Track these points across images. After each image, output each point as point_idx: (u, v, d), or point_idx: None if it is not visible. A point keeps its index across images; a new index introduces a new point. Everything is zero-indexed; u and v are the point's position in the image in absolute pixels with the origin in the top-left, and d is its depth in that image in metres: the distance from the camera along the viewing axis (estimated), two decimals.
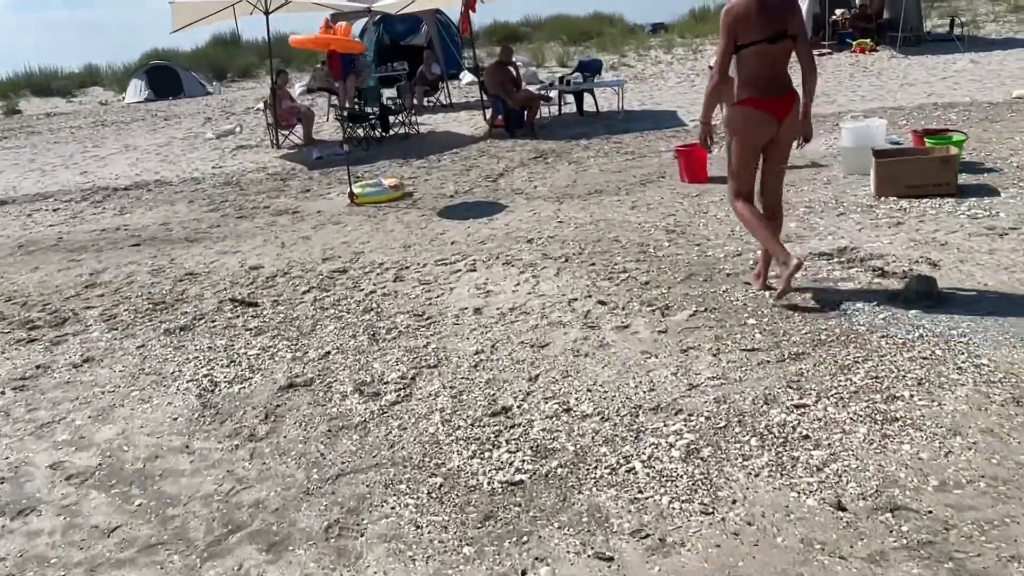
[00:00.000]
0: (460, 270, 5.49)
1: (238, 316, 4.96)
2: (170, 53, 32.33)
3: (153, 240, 7.30)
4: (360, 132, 11.75)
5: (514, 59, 11.68)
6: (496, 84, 11.29)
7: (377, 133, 11.87)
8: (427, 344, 4.14)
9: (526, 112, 11.44)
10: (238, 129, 14.80)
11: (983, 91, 11.50)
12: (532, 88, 13.52)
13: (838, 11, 21.03)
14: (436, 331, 4.34)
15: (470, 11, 12.42)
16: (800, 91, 4.06)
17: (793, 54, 4.01)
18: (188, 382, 3.95)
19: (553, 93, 12.74)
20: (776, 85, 3.95)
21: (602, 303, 4.51)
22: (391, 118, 12.39)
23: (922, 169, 6.04)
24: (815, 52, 18.15)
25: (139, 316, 5.14)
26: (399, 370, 3.84)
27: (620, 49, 24.30)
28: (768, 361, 3.52)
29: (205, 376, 3.99)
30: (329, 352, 4.16)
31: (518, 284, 5.05)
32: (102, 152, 13.81)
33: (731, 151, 4.16)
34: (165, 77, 24.50)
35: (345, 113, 11.71)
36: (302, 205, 8.21)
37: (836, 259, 4.87)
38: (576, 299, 4.63)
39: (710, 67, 4.58)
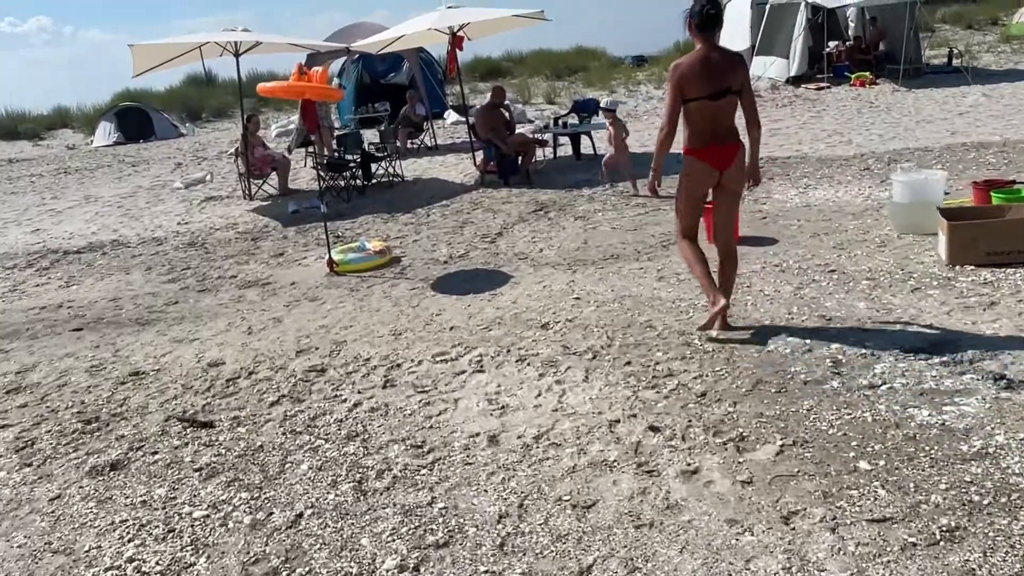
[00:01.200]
0: (465, 370, 4.48)
1: (187, 443, 3.91)
2: (142, 94, 31.25)
3: (99, 322, 6.24)
4: (340, 182, 10.77)
5: (506, 100, 10.78)
6: (488, 128, 10.38)
7: (358, 182, 10.89)
8: (432, 501, 3.12)
9: (520, 157, 10.52)
10: (208, 177, 13.78)
11: (1009, 128, 10.74)
12: (525, 130, 12.66)
13: (832, 44, 20.45)
14: (442, 475, 3.33)
15: (457, 50, 11.55)
16: (746, 140, 4.35)
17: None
18: (106, 573, 2.88)
19: (548, 136, 11.85)
20: (718, 137, 4.22)
21: (654, 428, 3.51)
22: (373, 165, 11.44)
23: (1005, 233, 5.14)
24: (813, 87, 17.55)
25: (63, 443, 4.08)
26: (397, 553, 2.81)
27: (608, 84, 23.60)
28: (914, 544, 2.53)
29: (130, 561, 2.93)
30: (301, 515, 3.12)
31: (539, 394, 4.05)
32: (60, 204, 12.73)
33: (679, 194, 4.57)
34: (135, 119, 23.49)
35: (324, 162, 10.72)
36: (275, 274, 7.19)
37: (937, 359, 3.91)
38: (618, 420, 3.64)
39: None
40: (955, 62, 19.51)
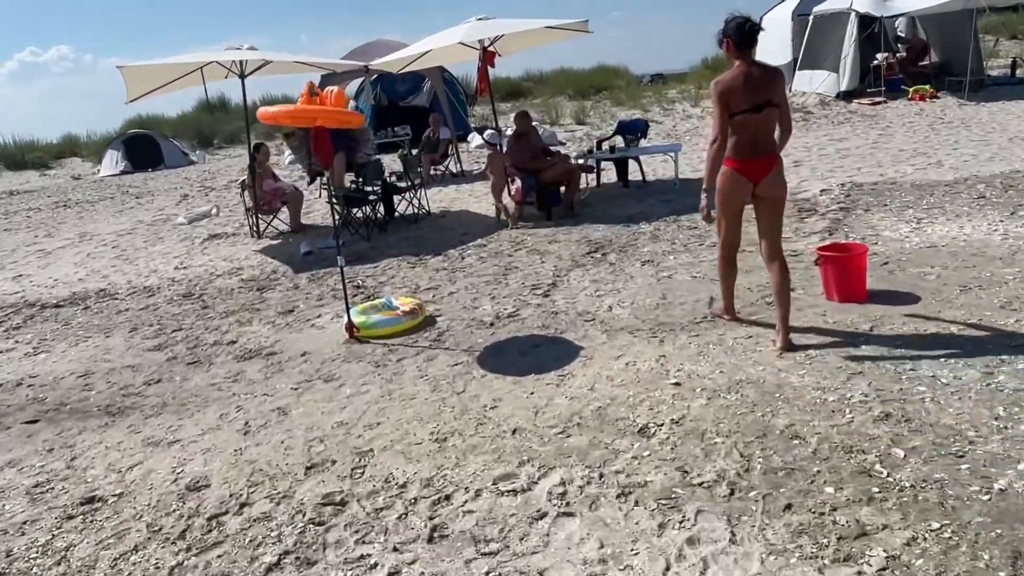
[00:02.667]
0: (544, 511, 3.13)
1: None
2: (152, 120, 30.45)
3: (60, 410, 4.94)
4: (359, 215, 9.48)
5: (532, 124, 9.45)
6: (524, 159, 9.05)
7: (379, 215, 9.60)
8: None
9: (562, 187, 9.20)
10: (214, 211, 12.56)
11: None
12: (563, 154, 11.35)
13: (879, 56, 19.09)
14: None
15: (488, 66, 10.27)
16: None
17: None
18: None
19: (591, 161, 10.52)
20: (756, 149, 4.32)
21: None
22: (396, 197, 10.16)
23: None
24: (868, 102, 16.17)
25: None
26: None
27: (638, 102, 22.32)
28: None
29: None
30: None
31: (668, 567, 2.67)
32: (52, 244, 11.53)
33: (719, 216, 4.63)
34: (144, 147, 22.45)
35: (339, 195, 9.44)
36: (282, 339, 5.87)
37: None
38: None
39: None
40: (1019, 72, 18.10)
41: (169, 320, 6.75)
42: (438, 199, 11.35)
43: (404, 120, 16.53)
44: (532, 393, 4.31)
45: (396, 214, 10.12)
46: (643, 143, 11.10)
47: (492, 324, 5.60)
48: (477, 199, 11.12)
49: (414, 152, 13.42)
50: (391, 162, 15.11)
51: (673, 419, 3.77)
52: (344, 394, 4.65)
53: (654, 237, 7.57)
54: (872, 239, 6.52)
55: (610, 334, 5.07)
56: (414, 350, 5.27)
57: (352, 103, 20.17)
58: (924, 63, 18.23)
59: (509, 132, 9.94)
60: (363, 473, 3.65)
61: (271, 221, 10.30)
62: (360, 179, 9.37)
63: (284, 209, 10.28)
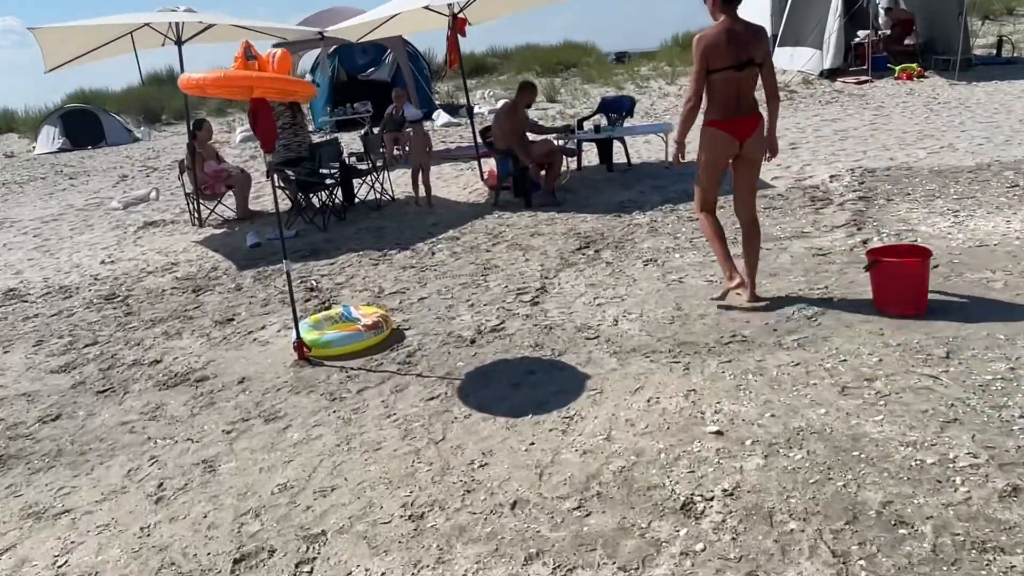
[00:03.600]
0: None
1: None
2: (96, 94, 28.77)
3: None
4: (315, 201, 8.40)
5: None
6: (509, 134, 8.05)
7: (336, 202, 8.53)
8: None
9: (543, 171, 8.22)
10: (153, 195, 11.36)
11: None
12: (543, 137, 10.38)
13: (861, 33, 18.37)
14: None
15: (459, 35, 9.21)
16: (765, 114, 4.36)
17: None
18: None
19: (572, 143, 9.54)
20: (740, 108, 4.27)
21: None
22: (356, 181, 9.09)
23: None
24: (853, 81, 15.40)
25: None
26: None
27: (610, 80, 21.36)
28: None
29: None
30: None
31: None
32: None
33: (699, 165, 4.54)
34: (83, 122, 20.92)
35: (290, 177, 8.34)
36: (216, 359, 4.83)
37: None
38: None
39: None
40: (1004, 52, 17.49)
41: (84, 330, 5.65)
42: (402, 182, 10.29)
43: (364, 96, 15.37)
44: (532, 443, 3.36)
45: (356, 200, 9.05)
46: (628, 122, 10.14)
47: (473, 341, 4.62)
48: (446, 183, 10.10)
49: (375, 131, 12.32)
50: (351, 141, 13.98)
51: (724, 489, 2.84)
52: (290, 440, 3.65)
53: (653, 230, 6.63)
54: (908, 235, 5.66)
55: (620, 357, 4.13)
56: (378, 377, 4.27)
57: (308, 77, 18.92)
58: (909, 42, 17.50)
59: (477, 108, 8.95)
60: (311, 572, 2.67)
61: (215, 207, 9.17)
62: (315, 160, 8.27)
63: (231, 194, 9.16)
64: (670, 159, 4.73)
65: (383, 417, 3.78)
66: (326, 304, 5.63)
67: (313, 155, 8.26)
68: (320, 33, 9.18)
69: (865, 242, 5.61)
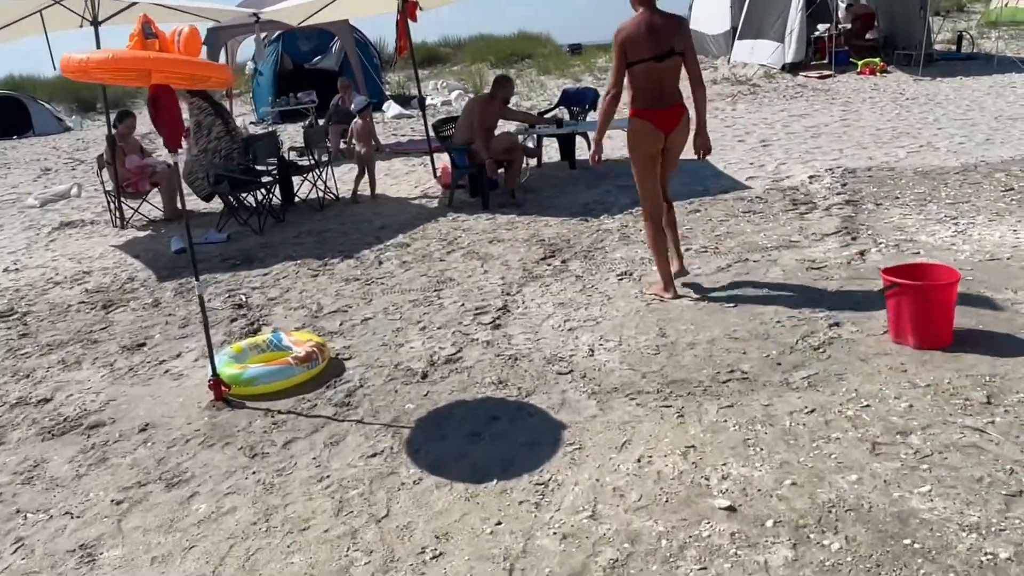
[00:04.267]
0: None
1: None
2: (28, 81, 27.25)
3: None
4: (251, 201, 7.59)
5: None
6: (477, 127, 7.34)
7: (273, 201, 7.73)
8: None
9: (502, 169, 7.54)
10: (75, 191, 10.38)
11: None
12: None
13: (821, 27, 18.05)
14: None
15: (408, 20, 8.46)
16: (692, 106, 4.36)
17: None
18: None
19: (531, 140, 8.87)
20: (663, 99, 4.22)
21: None
22: (296, 178, 8.30)
23: None
24: (815, 75, 15.02)
25: None
26: None
27: (567, 71, 20.74)
28: None
29: None
30: None
31: None
32: None
33: (633, 163, 4.43)
34: (8, 110, 19.57)
35: (208, 177, 7.51)
36: (118, 397, 4.05)
37: None
38: None
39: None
40: (965, 48, 17.30)
41: None
42: (348, 179, 9.50)
43: (311, 85, 14.48)
44: (498, 523, 2.68)
45: (296, 199, 8.25)
46: (591, 116, 9.50)
47: (425, 375, 3.93)
48: (396, 180, 9.36)
49: (320, 122, 11.51)
50: (296, 133, 13.12)
51: None
52: (195, 515, 2.92)
53: (624, 237, 6.00)
54: (908, 246, 5.11)
55: (600, 399, 3.48)
56: (310, 424, 3.55)
57: (250, 66, 17.92)
58: (870, 36, 17.21)
59: (429, 100, 8.22)
60: None
61: (139, 207, 8.29)
62: (251, 156, 7.45)
63: (158, 191, 8.30)
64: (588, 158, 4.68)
65: (313, 481, 3.06)
66: (254, 326, 4.88)
67: (247, 150, 7.44)
68: (255, 15, 8.34)
69: (862, 253, 5.05)
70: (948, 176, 6.92)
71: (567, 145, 8.98)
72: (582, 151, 9.11)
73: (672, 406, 3.34)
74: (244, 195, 7.54)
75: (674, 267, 4.57)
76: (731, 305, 4.39)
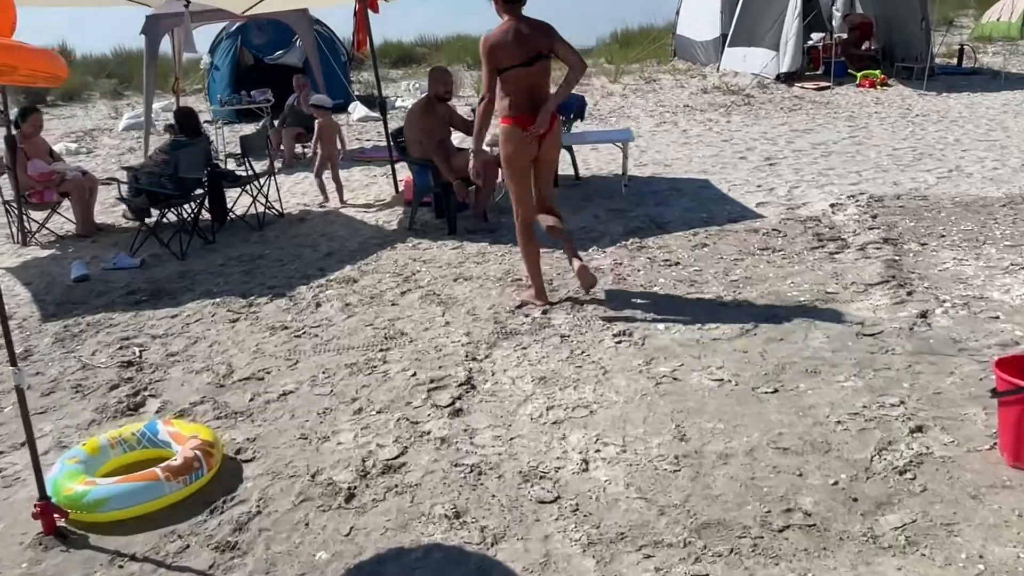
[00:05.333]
0: None
1: None
2: None
3: None
4: (171, 216, 6.39)
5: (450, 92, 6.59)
6: (426, 140, 6.21)
7: (197, 219, 6.54)
8: None
9: (475, 189, 6.40)
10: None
11: None
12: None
13: (815, 36, 17.15)
14: None
15: (368, 10, 7.30)
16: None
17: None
18: None
19: None
20: (535, 106, 4.18)
21: None
22: (231, 191, 7.10)
23: None
24: (812, 86, 14.08)
25: None
26: None
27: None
28: None
29: None
30: None
31: None
32: None
33: (507, 179, 4.44)
34: None
35: (136, 185, 6.30)
36: None
37: None
38: None
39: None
40: (967, 63, 16.45)
41: None
42: (301, 190, 8.34)
43: (271, 83, 13.23)
44: None
45: (231, 217, 7.05)
46: (577, 126, 8.40)
47: (351, 496, 2.79)
48: (354, 191, 8.19)
49: (275, 123, 10.31)
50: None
51: None
52: None
53: (619, 278, 4.88)
54: (979, 305, 4.06)
55: (601, 556, 2.37)
56: (173, 569, 2.39)
57: (205, 59, 16.63)
58: (868, 46, 16.33)
59: (400, 102, 7.10)
60: None
61: (46, 220, 7.05)
62: (172, 165, 6.25)
63: (67, 205, 7.06)
64: (476, 179, 4.60)
65: None
66: (137, 397, 3.70)
67: (171, 159, 6.24)
68: (185, 4, 7.13)
69: (925, 315, 3.99)
70: (995, 209, 5.90)
71: None
72: (565, 167, 8.00)
73: (700, 559, 2.22)
74: (166, 211, 6.34)
75: (576, 268, 4.35)
76: (769, 391, 3.29)
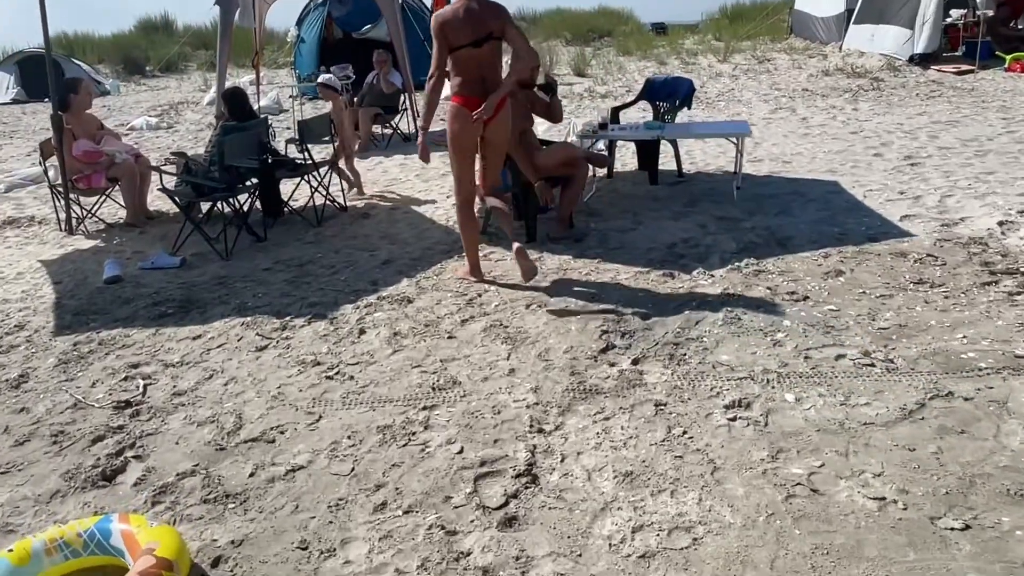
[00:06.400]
0: None
1: None
2: (81, 39, 26.27)
3: None
4: (215, 208, 5.72)
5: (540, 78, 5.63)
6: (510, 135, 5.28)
7: (254, 209, 5.86)
8: None
9: (561, 189, 5.48)
10: (52, 173, 8.67)
11: None
12: (565, 134, 7.70)
13: (954, 13, 15.32)
14: None
15: None
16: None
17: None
18: None
19: (601, 144, 6.77)
20: (484, 87, 4.21)
21: None
22: (288, 182, 6.39)
23: None
24: (951, 69, 12.42)
25: None
26: None
27: (650, 52, 18.39)
28: None
29: None
30: None
31: None
32: None
33: (450, 156, 4.44)
34: (45, 71, 18.22)
35: (175, 181, 5.65)
36: None
37: None
38: None
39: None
40: None
41: None
42: (371, 178, 7.59)
43: (352, 58, 12.54)
44: None
45: (288, 210, 6.34)
46: (682, 116, 7.30)
47: None
48: (427, 183, 7.38)
49: (354, 101, 9.59)
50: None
51: None
52: None
53: (732, 317, 3.88)
54: None
55: None
56: None
57: (293, 32, 16.14)
58: (1016, 24, 14.46)
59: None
60: None
61: (96, 208, 6.52)
62: (219, 153, 5.55)
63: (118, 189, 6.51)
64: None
65: None
66: (120, 458, 2.97)
67: (216, 145, 5.54)
68: None
69: None
70: None
71: (649, 152, 6.84)
72: (668, 161, 6.96)
73: None
74: (215, 204, 5.67)
75: (514, 251, 4.36)
76: (957, 525, 2.27)
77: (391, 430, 3.04)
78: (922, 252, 4.67)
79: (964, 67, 12.90)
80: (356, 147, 8.21)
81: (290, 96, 13.51)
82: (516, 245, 4.33)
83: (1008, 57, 12.90)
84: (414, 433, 3.01)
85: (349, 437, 3.02)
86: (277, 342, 3.98)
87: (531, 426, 3.00)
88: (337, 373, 3.59)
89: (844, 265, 4.53)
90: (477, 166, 4.54)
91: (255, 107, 6.80)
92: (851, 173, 6.70)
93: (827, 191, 6.18)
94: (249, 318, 4.30)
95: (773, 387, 3.17)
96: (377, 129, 9.68)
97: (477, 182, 4.56)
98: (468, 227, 4.52)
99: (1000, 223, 5.11)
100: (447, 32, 4.10)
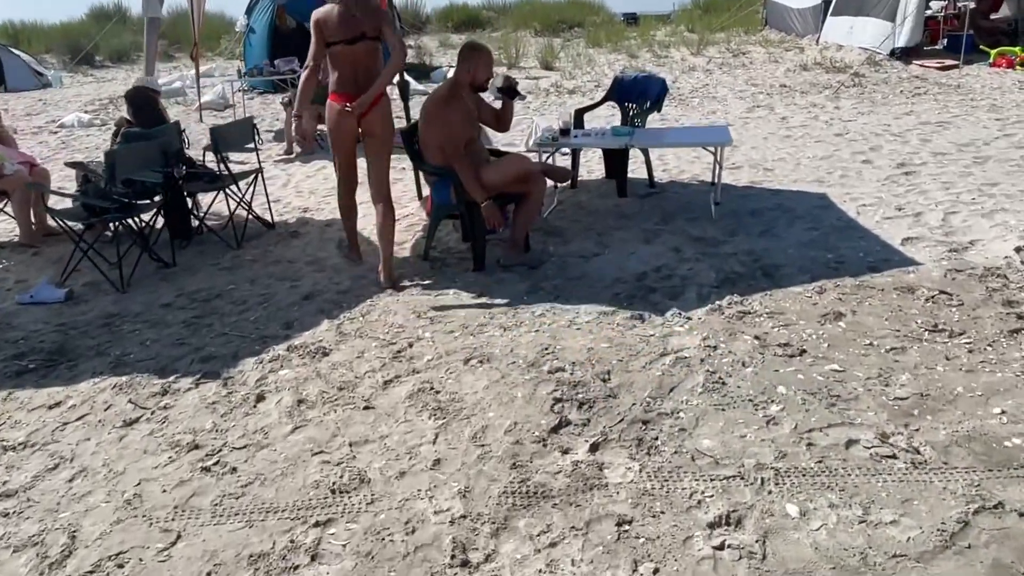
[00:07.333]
0: None
1: None
2: (28, 28, 25.06)
3: None
4: (110, 230, 4.89)
5: (492, 76, 4.82)
6: (444, 143, 4.49)
7: (157, 228, 5.03)
8: None
9: (515, 208, 4.70)
10: None
11: None
12: (519, 144, 6.96)
13: (935, 5, 14.79)
14: None
15: None
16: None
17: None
18: None
19: (561, 152, 6.00)
20: (358, 83, 4.30)
21: None
22: (200, 198, 5.58)
23: None
24: (935, 64, 11.84)
25: None
26: None
27: (620, 44, 17.66)
28: None
29: None
30: None
31: None
32: None
33: (332, 153, 4.61)
34: None
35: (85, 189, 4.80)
36: None
37: None
38: None
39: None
40: None
41: None
42: (306, 185, 6.78)
43: (297, 50, 11.64)
44: None
45: (204, 229, 5.51)
46: (652, 122, 6.55)
47: None
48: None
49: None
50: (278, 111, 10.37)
51: None
52: None
53: (715, 379, 3.15)
54: None
55: None
56: None
57: (241, 21, 15.19)
58: (997, 16, 13.93)
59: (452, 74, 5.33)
60: None
61: None
62: (109, 166, 4.71)
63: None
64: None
65: None
66: None
67: (106, 157, 4.70)
68: None
69: None
70: None
71: (617, 160, 6.10)
72: (638, 168, 6.23)
73: None
74: (111, 225, 4.84)
75: (382, 277, 4.43)
76: None
77: (266, 562, 2.27)
78: (933, 287, 3.97)
79: (948, 62, 12.30)
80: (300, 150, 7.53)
81: (239, 91, 12.59)
82: (384, 258, 4.45)
83: (993, 52, 12.33)
84: (296, 568, 2.24)
85: (210, 573, 2.25)
86: (153, 413, 3.19)
87: (452, 556, 2.25)
88: (216, 463, 2.81)
89: (843, 305, 3.83)
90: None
91: (196, 103, 5.94)
92: (840, 183, 6.02)
93: (815, 206, 5.49)
94: (125, 378, 3.50)
95: (770, 492, 2.45)
96: (322, 127, 8.82)
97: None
98: (347, 221, 4.82)
99: (1018, 249, 4.44)
100: (322, 28, 4.21)
